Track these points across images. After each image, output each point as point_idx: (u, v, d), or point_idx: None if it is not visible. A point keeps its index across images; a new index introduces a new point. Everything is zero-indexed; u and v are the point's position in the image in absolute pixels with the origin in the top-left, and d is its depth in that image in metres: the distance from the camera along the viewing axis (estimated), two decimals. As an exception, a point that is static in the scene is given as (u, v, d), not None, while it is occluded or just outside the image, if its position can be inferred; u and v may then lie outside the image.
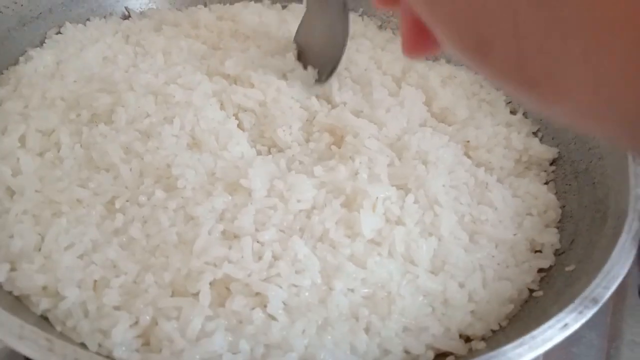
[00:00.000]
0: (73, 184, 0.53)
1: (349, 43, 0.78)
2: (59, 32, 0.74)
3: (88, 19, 0.78)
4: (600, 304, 0.42)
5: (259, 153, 0.63)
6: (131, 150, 0.56)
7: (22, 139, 0.57)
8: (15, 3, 0.70)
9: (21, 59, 0.68)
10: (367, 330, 0.46)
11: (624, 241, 0.47)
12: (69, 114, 0.60)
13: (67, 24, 0.74)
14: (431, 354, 0.45)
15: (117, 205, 0.51)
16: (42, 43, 0.72)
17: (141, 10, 0.84)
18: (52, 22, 0.74)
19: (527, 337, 0.39)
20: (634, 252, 0.46)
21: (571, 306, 0.41)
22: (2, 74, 0.66)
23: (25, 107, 0.60)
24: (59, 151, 0.56)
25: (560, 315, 0.40)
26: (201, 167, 0.55)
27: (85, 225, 0.49)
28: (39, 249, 0.47)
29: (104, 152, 0.55)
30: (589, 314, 0.41)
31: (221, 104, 0.66)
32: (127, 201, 0.52)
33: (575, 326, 0.40)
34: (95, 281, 0.46)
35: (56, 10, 0.75)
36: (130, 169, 0.54)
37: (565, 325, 0.40)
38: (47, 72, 0.66)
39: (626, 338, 0.69)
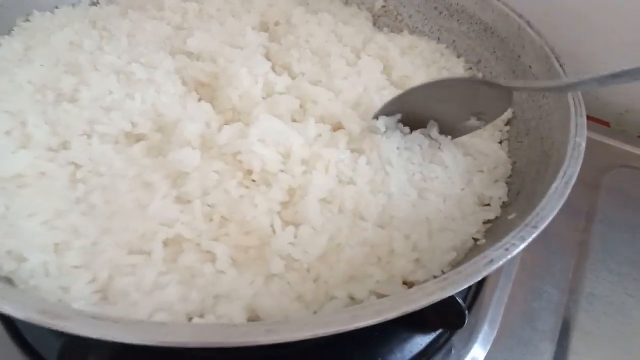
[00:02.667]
0: (39, 158, 0.56)
1: (310, 17, 0.81)
2: (27, 20, 0.76)
3: (56, 7, 0.80)
4: (527, 242, 0.44)
5: (224, 121, 0.64)
6: (95, 124, 0.59)
7: (-10, 120, 0.59)
8: (-17, -7, 0.73)
9: (-10, 46, 0.71)
10: (316, 279, 0.48)
11: (557, 186, 0.49)
12: (35, 95, 0.63)
13: (35, 12, 0.77)
14: (374, 299, 0.48)
15: (79, 176, 0.54)
16: (9, 31, 0.74)
17: (110, -4, 0.86)
18: (20, 11, 0.76)
19: (451, 273, 0.41)
20: (565, 195, 0.48)
21: (498, 244, 0.43)
22: (-28, 61, 0.69)
23: (-6, 91, 0.63)
24: (25, 129, 0.59)
25: (487, 252, 0.43)
26: (160, 135, 0.58)
27: (48, 195, 0.52)
28: (5, 218, 0.50)
29: (68, 127, 0.58)
30: (515, 250, 0.43)
31: (183, 80, 0.69)
32: (90, 172, 0.55)
33: (500, 262, 0.42)
34: (57, 244, 0.49)
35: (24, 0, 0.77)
36: (90, 144, 0.56)
37: (491, 261, 0.42)
38: (15, 58, 0.69)
39: (585, 291, 0.71)
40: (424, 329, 0.63)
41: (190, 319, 0.44)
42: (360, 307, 0.38)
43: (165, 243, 0.49)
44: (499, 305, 0.69)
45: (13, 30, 0.74)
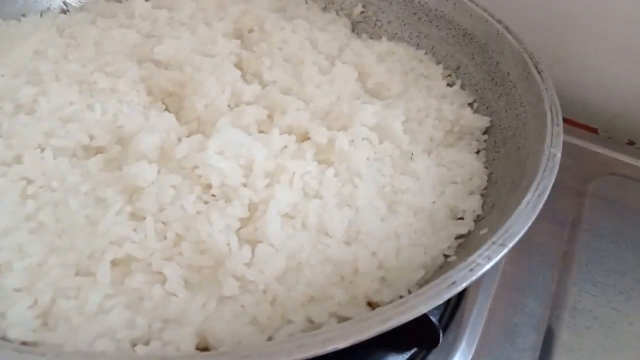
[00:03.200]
0: (-11, 173, 0.53)
1: (285, 24, 0.79)
2: (-10, 29, 0.74)
3: (23, 15, 0.78)
4: (493, 261, 0.41)
5: (188, 133, 0.62)
6: (51, 136, 0.57)
7: (-60, 134, 0.57)
8: (-57, 1, 0.70)
9: (-52, 57, 0.69)
10: (272, 302, 0.46)
11: (528, 200, 0.46)
12: (-9, 107, 0.61)
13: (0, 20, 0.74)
14: (334, 322, 0.45)
15: (30, 192, 0.52)
16: (-28, 41, 0.72)
17: (81, 4, 0.84)
18: (-17, 19, 0.74)
19: (411, 295, 0.38)
20: (537, 209, 0.46)
21: (462, 264, 0.41)
22: None
23: (-53, 104, 0.61)
24: (-24, 143, 0.56)
25: (450, 273, 0.40)
26: (119, 148, 0.56)
27: (-4, 212, 0.50)
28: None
29: (23, 140, 0.56)
30: (480, 271, 0.40)
31: (149, 90, 0.66)
32: (41, 187, 0.52)
33: (464, 284, 0.39)
34: (-1, 265, 0.46)
35: (-11, 8, 0.75)
36: (44, 158, 0.54)
37: (453, 284, 0.39)
38: (-25, 68, 0.66)
39: (568, 306, 0.68)
40: (398, 348, 0.60)
41: (134, 345, 0.42)
42: (308, 336, 0.35)
43: (115, 263, 0.46)
44: (478, 321, 0.66)
45: (-24, 39, 0.72)
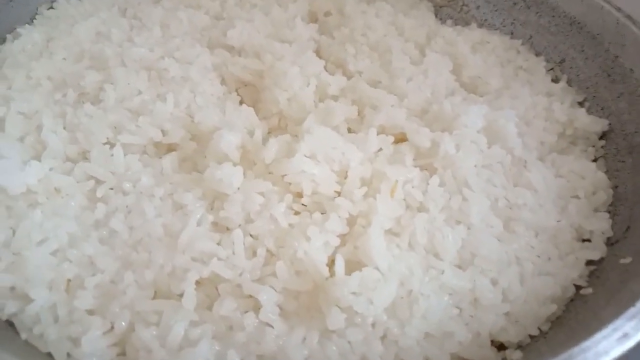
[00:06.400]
0: (54, 171, 0.48)
1: (367, 7, 0.71)
2: (51, 8, 0.68)
3: (83, -7, 0.72)
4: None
5: (268, 129, 0.55)
6: (120, 131, 0.51)
7: (2, 123, 0.51)
8: (2, -23, 0.65)
9: (8, 37, 0.63)
10: (383, 338, 0.39)
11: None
12: (54, 94, 0.55)
13: (60, -2, 0.69)
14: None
15: (99, 194, 0.46)
16: (32, 20, 0.67)
17: (142, -19, 0.78)
18: (44, -3, 0.68)
19: (575, 349, 0.31)
20: None
21: (632, 310, 0.33)
22: (-12, 53, 0.61)
23: (8, 89, 0.55)
24: (40, 135, 0.51)
25: (618, 322, 0.32)
26: (194, 145, 0.50)
27: (62, 217, 0.44)
28: (9, 245, 0.42)
29: (89, 133, 0.50)
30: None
31: (222, 78, 0.60)
32: (111, 189, 0.46)
33: (638, 336, 0.32)
34: (69, 280, 0.40)
35: (48, -16, 0.70)
36: (112, 155, 0.48)
37: (625, 335, 0.32)
38: (35, 50, 0.61)
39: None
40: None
41: (227, 387, 0.35)
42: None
43: (199, 283, 0.40)
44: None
45: (35, 18, 0.67)
